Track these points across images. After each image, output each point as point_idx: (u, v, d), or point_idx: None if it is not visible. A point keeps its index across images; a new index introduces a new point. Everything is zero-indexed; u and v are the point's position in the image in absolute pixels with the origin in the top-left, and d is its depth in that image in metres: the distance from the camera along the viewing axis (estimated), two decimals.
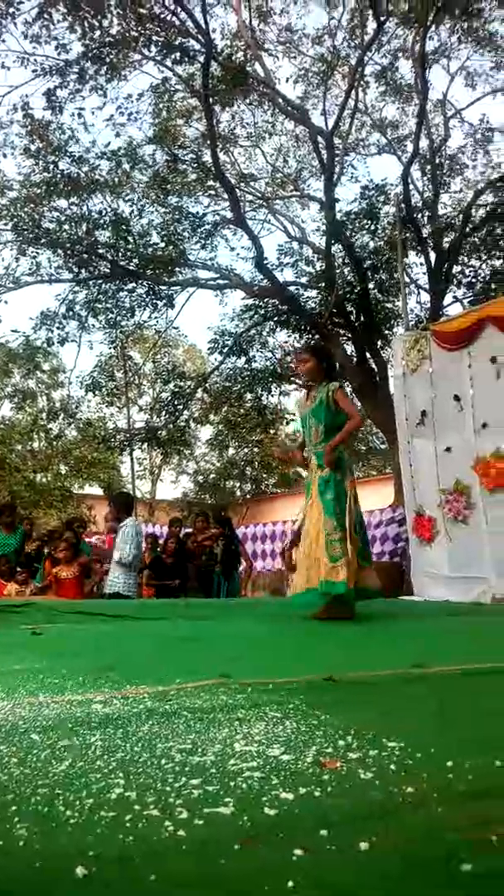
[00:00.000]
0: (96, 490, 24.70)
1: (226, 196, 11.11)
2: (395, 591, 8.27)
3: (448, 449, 6.90)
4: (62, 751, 1.20)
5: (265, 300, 11.65)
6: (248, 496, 26.81)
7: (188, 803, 0.92)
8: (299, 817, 0.87)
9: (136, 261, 10.90)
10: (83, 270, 11.59)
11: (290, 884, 0.67)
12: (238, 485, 27.05)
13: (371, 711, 1.53)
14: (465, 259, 11.63)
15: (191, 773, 1.07)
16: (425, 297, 12.51)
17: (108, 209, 10.82)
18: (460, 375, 6.89)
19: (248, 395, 13.66)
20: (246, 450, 25.20)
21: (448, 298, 11.85)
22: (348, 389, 13.54)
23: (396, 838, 0.79)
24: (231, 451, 25.37)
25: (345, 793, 0.96)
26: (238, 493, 26.93)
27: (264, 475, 27.29)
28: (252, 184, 12.82)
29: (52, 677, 1.93)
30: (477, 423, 6.66)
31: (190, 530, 8.67)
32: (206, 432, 23.39)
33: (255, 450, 24.95)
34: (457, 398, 6.92)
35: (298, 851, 0.75)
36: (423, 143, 11.51)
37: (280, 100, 11.44)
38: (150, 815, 0.88)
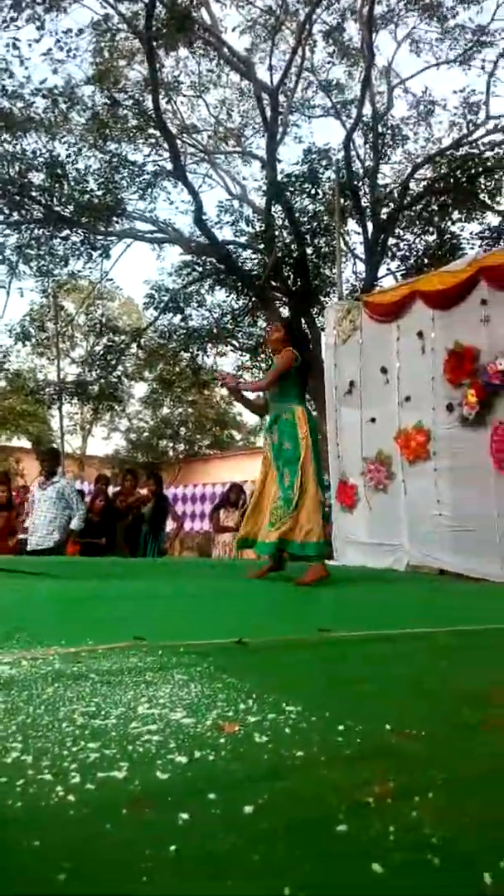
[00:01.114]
0: (24, 443, 24.10)
1: (166, 146, 10.79)
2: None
3: (373, 419, 7.06)
4: None
5: (203, 258, 11.48)
6: (181, 456, 26.74)
7: (83, 767, 0.94)
8: (191, 781, 0.89)
9: (71, 207, 10.50)
10: (14, 213, 11.09)
11: (172, 848, 0.70)
12: (171, 444, 26.93)
13: (275, 676, 1.58)
14: (401, 232, 11.75)
15: (90, 736, 1.08)
16: (361, 267, 12.62)
17: (43, 150, 10.33)
18: (388, 348, 7.02)
19: (184, 354, 13.53)
20: (181, 409, 25.06)
21: (382, 270, 11.99)
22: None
23: (281, 802, 0.83)
24: (165, 409, 25.18)
25: (238, 757, 1.00)
26: (171, 452, 26.82)
27: (198, 436, 27.27)
28: (194, 136, 12.50)
29: None
30: (401, 396, 6.83)
31: (118, 489, 8.60)
32: (140, 389, 23.10)
33: (190, 410, 24.85)
34: (384, 370, 7.06)
35: (184, 815, 0.78)
36: (367, 109, 11.48)
37: (225, 50, 11.12)
38: (42, 779, 0.89)
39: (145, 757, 0.98)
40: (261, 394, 4.65)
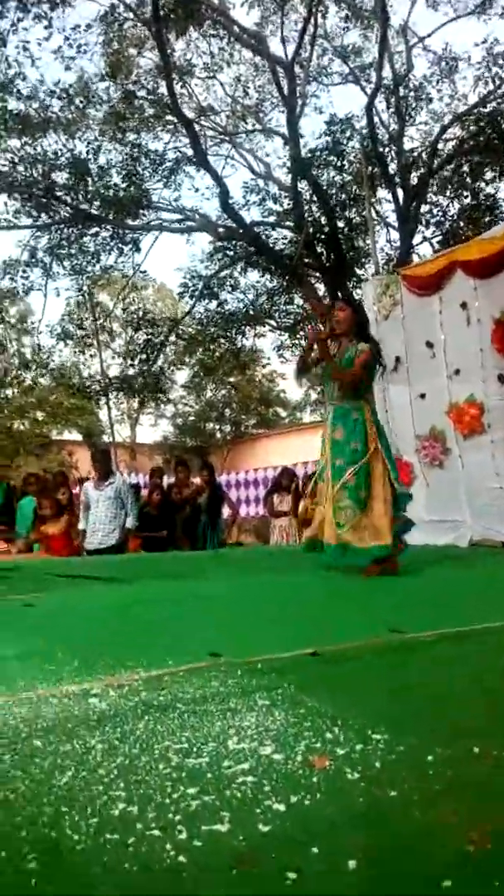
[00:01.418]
0: (75, 436, 24.61)
1: (185, 132, 10.72)
2: None
3: (422, 395, 6.98)
4: (64, 758, 1.25)
5: (233, 242, 11.43)
6: (228, 438, 26.90)
7: (187, 818, 0.99)
8: (290, 832, 0.93)
9: (97, 203, 10.56)
10: (43, 215, 11.23)
11: None
12: (218, 426, 27.08)
13: (355, 692, 1.62)
14: (433, 197, 11.44)
15: (188, 780, 1.13)
16: (395, 235, 12.37)
17: (64, 149, 10.39)
18: (432, 321, 6.90)
19: (222, 340, 13.55)
20: (224, 391, 25.13)
21: (417, 238, 11.73)
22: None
23: (382, 853, 0.86)
24: (209, 393, 25.30)
25: (332, 798, 1.03)
26: (218, 434, 27.00)
27: (244, 416, 27.35)
28: (213, 117, 12.37)
29: (48, 663, 1.98)
30: (450, 370, 6.72)
31: (172, 480, 8.72)
32: (182, 375, 23.24)
33: (234, 391, 24.90)
34: (429, 344, 6.95)
35: (291, 875, 0.82)
36: (387, 72, 11.14)
37: (235, 28, 10.94)
38: (151, 835, 0.94)
39: (244, 804, 1.02)
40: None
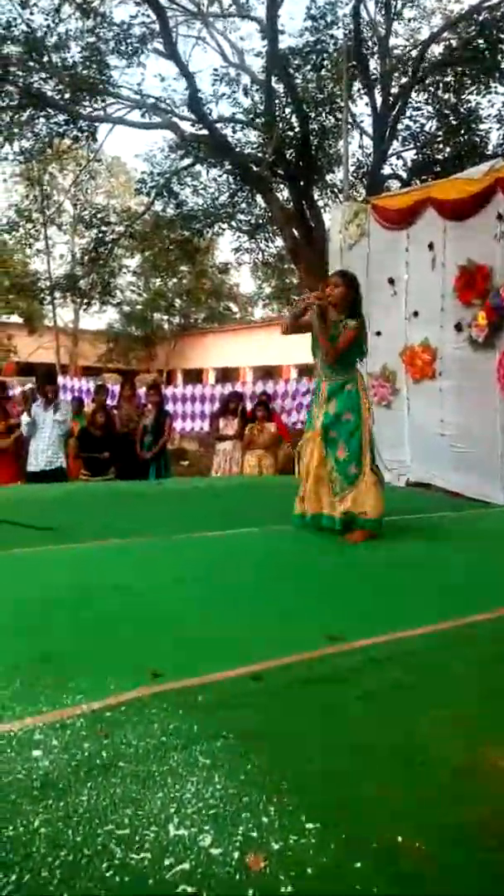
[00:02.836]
0: (15, 318, 23.58)
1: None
2: None
3: (379, 333, 6.89)
4: (5, 849, 1.27)
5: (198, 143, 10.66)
6: (175, 330, 26.22)
7: None
8: None
9: (52, 83, 9.59)
10: None
11: None
12: (166, 318, 26.27)
13: (295, 740, 1.68)
14: (412, 113, 10.82)
15: (130, 882, 1.18)
16: (367, 142, 11.77)
17: (18, 19, 9.27)
18: (397, 258, 6.74)
19: (178, 240, 12.93)
20: (174, 281, 24.21)
21: (390, 149, 11.17)
22: (281, 248, 12.95)
23: None
24: (158, 281, 24.34)
25: None
26: (166, 326, 26.26)
27: (193, 309, 26.56)
28: None
29: None
30: (408, 311, 6.65)
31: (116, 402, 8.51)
32: (131, 261, 22.18)
33: (184, 281, 24.00)
34: (391, 281, 6.82)
35: None
36: None
37: None
38: None
39: None
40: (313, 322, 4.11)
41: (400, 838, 1.33)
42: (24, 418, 6.60)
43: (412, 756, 1.65)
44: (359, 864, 1.25)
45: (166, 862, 1.24)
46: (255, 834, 1.33)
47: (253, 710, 1.85)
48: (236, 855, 1.27)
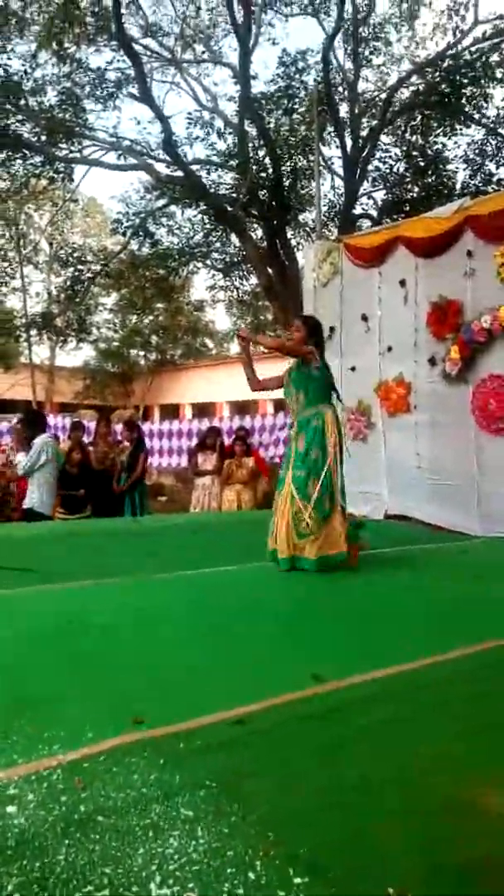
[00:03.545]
0: None
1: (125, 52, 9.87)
2: None
3: (353, 368, 6.98)
4: None
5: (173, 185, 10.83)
6: (152, 366, 26.26)
7: None
8: None
9: (28, 126, 9.71)
10: None
11: None
12: (142, 354, 26.33)
13: (280, 790, 1.63)
14: (381, 154, 11.14)
15: None
16: (339, 183, 12.06)
17: None
18: (370, 295, 6.86)
19: (154, 279, 13.03)
20: (150, 318, 24.33)
21: (361, 190, 11.46)
22: (256, 286, 13.13)
23: None
24: (134, 318, 24.43)
25: None
26: (142, 362, 26.30)
27: (170, 345, 26.67)
28: (160, 38, 11.45)
29: None
30: (382, 346, 6.74)
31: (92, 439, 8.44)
32: (107, 299, 22.25)
33: (160, 318, 24.14)
34: (364, 318, 6.93)
35: None
36: (349, 7, 10.56)
37: None
38: None
39: None
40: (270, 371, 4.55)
41: (391, 890, 1.29)
42: (20, 457, 6.43)
43: (402, 797, 1.61)
44: None
45: None
46: (241, 891, 1.27)
47: (237, 756, 1.80)
48: None
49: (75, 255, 12.39)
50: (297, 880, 1.30)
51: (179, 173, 10.10)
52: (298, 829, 1.47)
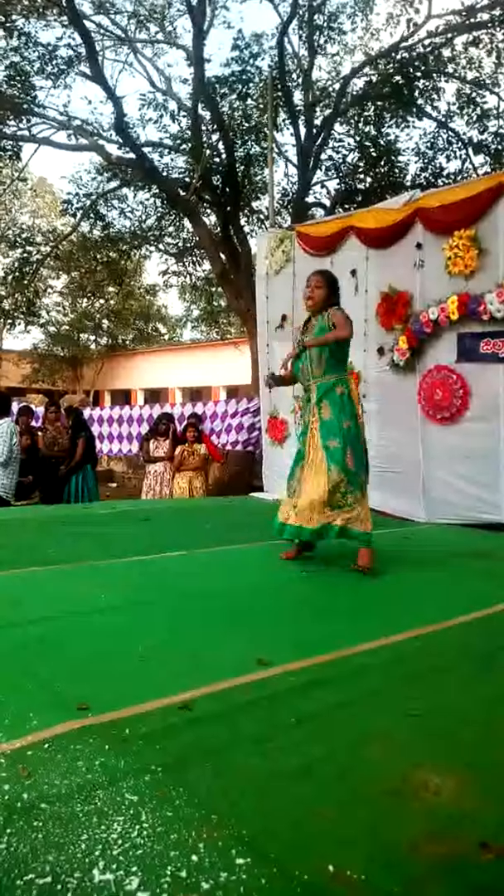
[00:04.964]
0: None
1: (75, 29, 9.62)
2: (249, 480, 8.71)
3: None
4: None
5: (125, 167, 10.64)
6: (102, 351, 25.87)
7: None
8: None
9: None
10: None
11: None
12: (93, 338, 25.90)
13: (221, 776, 1.65)
14: (334, 142, 11.18)
15: None
16: (293, 170, 12.06)
17: None
18: None
19: (105, 261, 12.81)
20: (102, 301, 23.93)
21: (314, 178, 11.48)
22: (209, 272, 13.07)
23: None
24: (84, 302, 24.00)
25: None
26: (93, 346, 25.88)
27: (121, 330, 26.30)
28: (113, 16, 11.18)
29: None
30: None
31: (40, 424, 8.30)
32: (56, 280, 21.79)
33: (112, 302, 23.76)
34: None
35: None
36: None
37: None
38: None
39: None
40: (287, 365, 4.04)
41: (331, 868, 1.32)
42: None
43: (343, 779, 1.65)
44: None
45: None
46: (183, 874, 1.29)
47: (182, 741, 1.81)
48: None
49: (24, 235, 12.06)
50: (240, 861, 1.33)
51: (131, 155, 9.92)
52: (241, 812, 1.50)
